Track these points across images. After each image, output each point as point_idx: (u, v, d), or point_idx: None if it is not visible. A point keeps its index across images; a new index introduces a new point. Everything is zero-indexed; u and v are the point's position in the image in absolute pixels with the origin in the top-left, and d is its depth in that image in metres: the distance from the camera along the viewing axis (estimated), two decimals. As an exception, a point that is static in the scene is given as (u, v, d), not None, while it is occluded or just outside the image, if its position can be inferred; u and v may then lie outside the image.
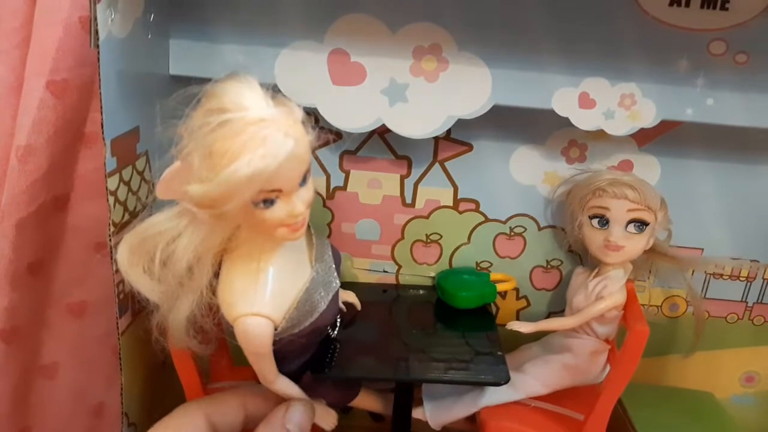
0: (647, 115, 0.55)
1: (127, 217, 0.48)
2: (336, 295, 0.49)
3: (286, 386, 0.49)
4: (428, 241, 0.65)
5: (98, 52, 0.42)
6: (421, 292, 0.66)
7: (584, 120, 0.55)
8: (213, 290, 0.44)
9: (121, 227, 0.47)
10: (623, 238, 0.56)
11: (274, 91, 0.40)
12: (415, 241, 0.65)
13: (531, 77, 0.54)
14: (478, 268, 0.66)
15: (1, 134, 0.54)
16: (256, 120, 0.38)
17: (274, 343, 0.45)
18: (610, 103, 0.54)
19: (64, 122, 0.54)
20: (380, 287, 0.66)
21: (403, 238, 0.65)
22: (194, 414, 0.45)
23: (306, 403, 0.47)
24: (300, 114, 0.41)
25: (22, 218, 0.54)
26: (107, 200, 0.45)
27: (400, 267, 0.66)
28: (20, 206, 0.54)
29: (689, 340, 0.66)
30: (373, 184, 0.63)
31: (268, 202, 0.40)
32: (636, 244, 0.57)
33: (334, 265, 0.50)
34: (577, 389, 0.59)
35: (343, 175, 0.63)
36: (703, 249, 0.64)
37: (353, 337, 0.56)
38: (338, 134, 0.60)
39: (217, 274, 0.45)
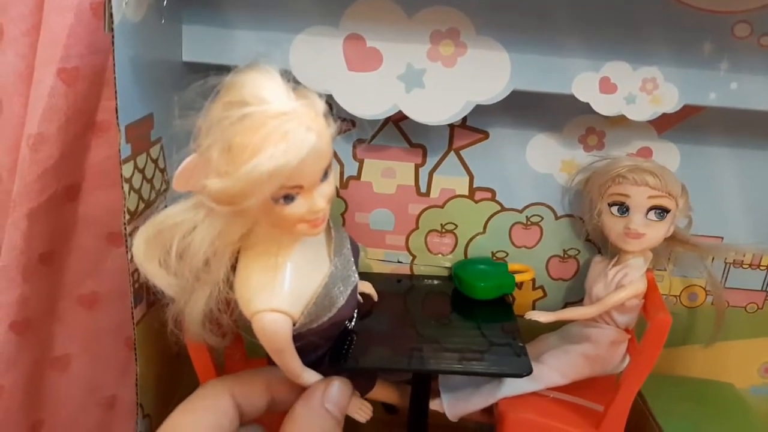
0: (670, 100, 0.54)
1: (141, 205, 0.47)
2: (355, 289, 0.48)
3: (314, 379, 0.48)
4: (443, 230, 0.64)
5: (112, 36, 0.41)
6: (436, 282, 0.65)
7: (605, 105, 0.54)
8: (230, 284, 0.43)
9: (136, 215, 0.46)
10: (644, 226, 0.55)
11: (289, 77, 0.39)
12: (429, 231, 0.64)
13: (551, 62, 0.53)
14: (494, 257, 0.65)
15: (11, 123, 0.54)
16: (277, 114, 0.36)
17: (294, 338, 0.44)
18: (632, 87, 0.53)
19: (75, 111, 0.53)
20: (394, 277, 0.65)
21: (417, 227, 0.64)
22: (221, 395, 0.44)
23: (344, 382, 0.46)
24: (322, 106, 0.39)
25: (33, 208, 0.53)
26: (122, 188, 0.44)
27: (414, 257, 0.65)
28: (31, 196, 0.53)
29: (708, 331, 0.66)
30: (387, 174, 0.62)
31: (288, 198, 0.39)
32: (657, 231, 0.56)
33: (352, 259, 0.49)
34: (596, 380, 0.58)
35: (357, 164, 0.62)
36: (723, 237, 0.63)
37: (370, 328, 0.55)
38: (351, 122, 0.59)
39: (234, 268, 0.44)
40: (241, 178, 0.36)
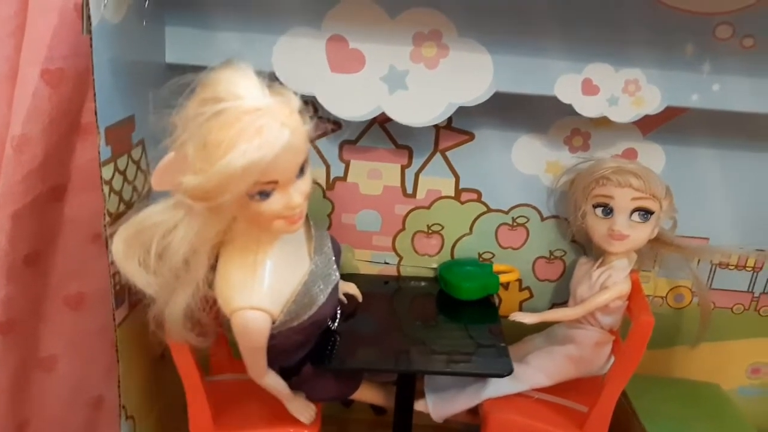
0: (652, 102, 0.54)
1: (122, 207, 0.47)
2: (335, 288, 0.49)
3: (274, 382, 0.48)
4: (430, 231, 0.64)
5: (90, 38, 0.41)
6: (423, 283, 0.65)
7: (588, 107, 0.54)
8: (209, 283, 0.43)
9: (117, 217, 0.46)
10: (628, 227, 0.55)
11: (271, 79, 0.39)
12: (416, 232, 0.64)
13: (533, 63, 0.53)
14: (481, 259, 0.65)
15: (-4, 124, 0.54)
16: (251, 109, 0.37)
17: (273, 336, 0.44)
18: (614, 89, 0.53)
19: (59, 112, 0.53)
20: (381, 279, 0.65)
21: (404, 228, 0.64)
22: None
23: None
24: (297, 103, 0.40)
25: (18, 209, 0.53)
26: (101, 189, 0.44)
27: (401, 258, 0.65)
28: (16, 197, 0.53)
29: (695, 332, 0.66)
30: (374, 175, 0.62)
31: (264, 194, 0.40)
32: (641, 233, 0.56)
33: (333, 258, 0.49)
34: (580, 381, 0.58)
35: (343, 165, 0.62)
36: (708, 238, 0.63)
37: (354, 329, 0.55)
38: (337, 124, 0.59)
39: (213, 267, 0.44)
40: (216, 174, 0.37)
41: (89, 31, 0.41)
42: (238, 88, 0.37)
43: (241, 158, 0.36)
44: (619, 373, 0.53)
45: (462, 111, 0.55)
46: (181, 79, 0.38)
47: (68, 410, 0.62)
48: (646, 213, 0.55)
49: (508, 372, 0.51)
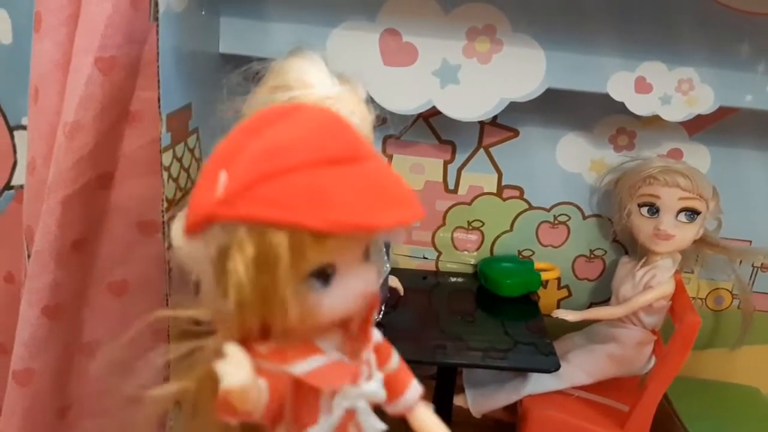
0: (705, 101, 0.53)
1: (179, 193, 0.48)
2: (386, 280, 0.49)
3: None
4: (470, 227, 0.64)
5: (157, 25, 0.41)
6: (461, 279, 0.65)
7: (640, 105, 0.54)
8: None
9: (174, 203, 0.47)
10: (673, 227, 0.55)
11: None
12: (456, 228, 0.64)
13: (586, 60, 0.53)
14: (520, 256, 0.65)
15: (46, 111, 0.54)
16: (321, 98, 0.37)
17: None
18: (667, 88, 0.53)
19: (110, 100, 0.53)
20: (420, 274, 0.65)
21: (444, 224, 0.64)
22: None
23: None
24: (364, 93, 0.40)
25: (67, 195, 0.53)
26: (161, 176, 0.44)
27: (440, 254, 0.66)
28: (66, 183, 0.53)
29: (733, 334, 0.65)
30: (416, 169, 0.62)
31: None
32: (686, 233, 0.56)
33: (384, 249, 0.49)
34: (621, 380, 0.58)
35: (387, 159, 0.62)
36: (751, 241, 0.63)
37: (396, 323, 0.55)
38: (383, 118, 0.59)
39: None
40: None
41: (156, 18, 0.41)
42: (309, 77, 0.37)
43: None
44: (662, 374, 0.53)
45: (508, 107, 0.55)
46: (250, 66, 0.38)
47: (109, 396, 0.62)
48: (692, 213, 0.55)
49: (555, 368, 0.51)
